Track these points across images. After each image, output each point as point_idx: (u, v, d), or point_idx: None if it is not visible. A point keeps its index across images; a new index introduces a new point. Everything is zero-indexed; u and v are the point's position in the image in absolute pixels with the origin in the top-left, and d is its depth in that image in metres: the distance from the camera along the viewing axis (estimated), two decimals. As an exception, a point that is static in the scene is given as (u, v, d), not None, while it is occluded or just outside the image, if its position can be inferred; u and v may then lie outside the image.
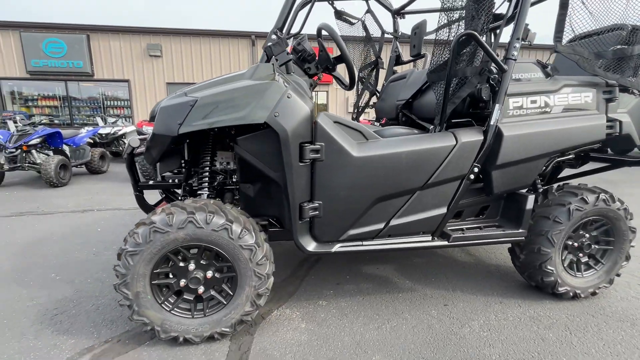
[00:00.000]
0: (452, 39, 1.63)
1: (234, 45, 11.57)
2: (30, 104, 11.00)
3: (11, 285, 2.05)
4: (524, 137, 1.64)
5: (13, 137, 5.25)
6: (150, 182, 1.86)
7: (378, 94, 3.11)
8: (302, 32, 1.81)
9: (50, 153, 5.58)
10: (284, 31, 1.66)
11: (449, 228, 1.79)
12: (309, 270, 2.31)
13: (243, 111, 1.38)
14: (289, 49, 1.49)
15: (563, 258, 1.85)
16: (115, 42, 10.97)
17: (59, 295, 1.94)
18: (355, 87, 2.09)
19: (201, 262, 1.44)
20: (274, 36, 1.47)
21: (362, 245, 1.66)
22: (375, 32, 2.93)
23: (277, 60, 1.48)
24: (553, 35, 1.68)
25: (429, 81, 1.83)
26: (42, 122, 6.96)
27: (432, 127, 1.76)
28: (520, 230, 1.76)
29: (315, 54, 1.78)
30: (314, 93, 2.21)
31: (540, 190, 1.90)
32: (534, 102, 1.69)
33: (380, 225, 1.66)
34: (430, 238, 1.72)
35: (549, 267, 1.78)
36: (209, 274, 1.44)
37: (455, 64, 1.56)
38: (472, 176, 1.65)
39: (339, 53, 1.72)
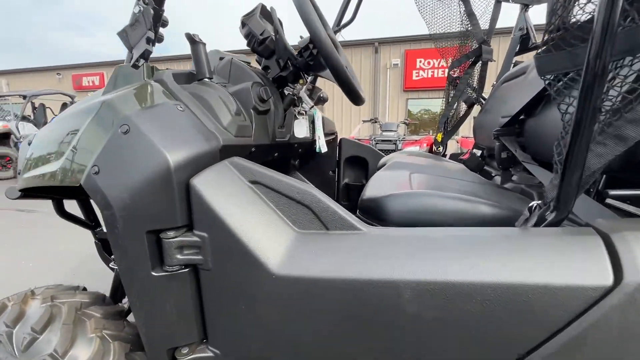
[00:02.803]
0: None
1: (357, 55, 11.21)
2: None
3: None
4: None
5: None
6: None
7: (482, 104, 1.88)
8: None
9: None
10: None
11: None
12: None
13: (50, 165, 0.72)
14: (149, 28, 0.72)
15: None
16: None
17: None
18: (359, 100, 1.03)
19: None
20: (137, 8, 0.73)
21: None
22: None
23: (132, 54, 0.75)
24: None
25: (540, 75, 0.69)
26: None
27: (533, 204, 0.63)
28: None
29: (277, 41, 0.94)
30: (314, 110, 1.33)
31: None
32: None
33: None
34: None
35: None
36: None
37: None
38: None
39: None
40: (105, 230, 0.68)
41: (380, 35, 11.21)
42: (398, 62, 10.72)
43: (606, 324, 0.48)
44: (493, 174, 1.42)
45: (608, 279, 0.48)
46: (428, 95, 10.77)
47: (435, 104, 10.67)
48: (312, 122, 1.46)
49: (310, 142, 1.50)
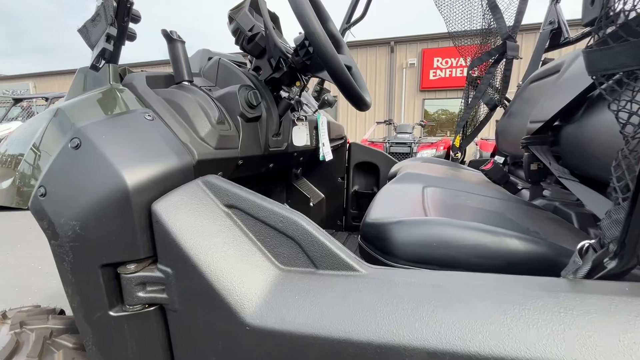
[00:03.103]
0: None
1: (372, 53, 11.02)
2: None
3: None
4: None
5: None
6: None
7: (506, 106, 1.71)
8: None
9: None
10: None
11: None
12: None
13: (4, 181, 0.63)
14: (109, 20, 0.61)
15: None
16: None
17: None
18: (364, 106, 0.86)
19: None
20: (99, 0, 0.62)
21: None
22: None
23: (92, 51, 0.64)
24: None
25: (591, 73, 0.53)
26: None
27: (585, 244, 0.48)
28: None
29: (269, 36, 0.82)
30: (323, 115, 1.20)
31: None
32: None
33: None
34: None
35: None
36: None
37: None
38: None
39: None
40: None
41: (396, 35, 10.97)
42: (414, 61, 10.43)
43: None
44: (520, 187, 1.25)
45: None
46: (445, 95, 10.44)
47: (453, 104, 10.33)
48: (316, 128, 1.34)
49: (314, 150, 1.37)
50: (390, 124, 5.67)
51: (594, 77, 0.52)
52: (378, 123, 6.31)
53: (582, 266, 0.44)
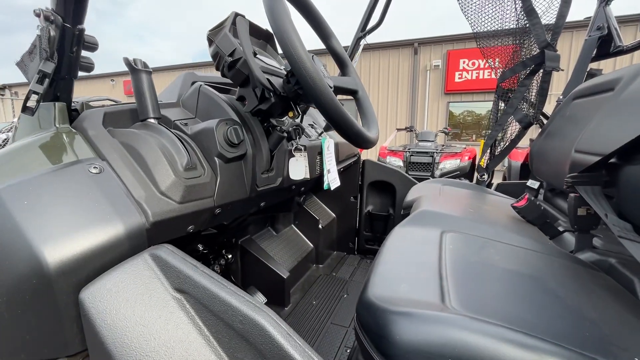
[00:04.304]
0: None
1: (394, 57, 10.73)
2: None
3: None
4: None
5: None
6: None
7: (543, 125, 1.50)
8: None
9: None
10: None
11: None
12: None
13: None
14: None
15: None
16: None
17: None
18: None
19: None
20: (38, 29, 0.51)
21: None
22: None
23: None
24: None
25: None
26: None
27: None
28: None
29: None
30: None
31: None
32: None
33: None
34: None
35: None
36: None
37: None
38: None
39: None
40: None
41: (420, 36, 10.63)
42: (439, 63, 10.05)
43: None
44: (561, 228, 1.04)
45: None
46: (472, 99, 9.97)
47: (479, 107, 9.86)
48: (320, 153, 1.20)
49: (318, 176, 1.23)
50: (412, 131, 5.42)
51: None
52: (398, 130, 6.07)
53: None
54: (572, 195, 0.85)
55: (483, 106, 9.78)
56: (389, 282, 0.57)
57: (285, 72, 0.73)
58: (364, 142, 0.65)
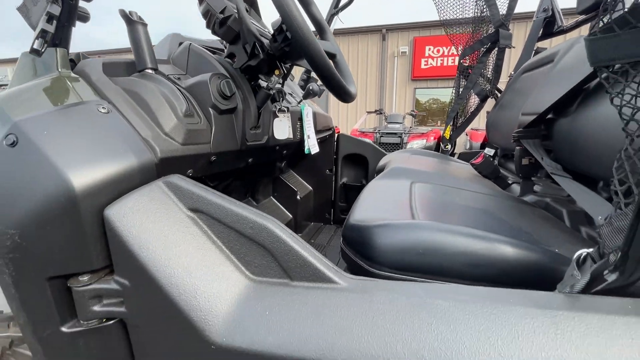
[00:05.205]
0: None
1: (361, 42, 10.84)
2: None
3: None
4: None
5: None
6: None
7: (497, 97, 1.67)
8: None
9: None
10: None
11: None
12: None
13: None
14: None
15: None
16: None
17: None
18: (350, 94, 0.79)
19: None
20: None
21: None
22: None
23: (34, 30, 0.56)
24: None
25: (593, 63, 0.47)
26: None
27: (582, 253, 0.43)
28: None
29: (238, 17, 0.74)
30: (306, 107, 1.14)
31: None
32: None
33: None
34: None
35: None
36: None
37: None
38: None
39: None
40: None
41: (388, 22, 10.79)
42: (406, 49, 10.31)
43: None
44: (510, 181, 1.22)
45: None
46: (437, 85, 10.38)
47: (444, 94, 10.29)
48: (300, 119, 1.27)
49: (299, 143, 1.31)
50: (381, 113, 5.60)
51: (596, 68, 0.47)
52: (369, 113, 6.24)
53: (579, 279, 0.40)
54: (517, 148, 1.01)
55: (447, 93, 10.21)
56: (368, 211, 0.68)
57: (271, 33, 0.80)
58: (345, 94, 0.74)
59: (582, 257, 0.42)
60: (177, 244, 0.49)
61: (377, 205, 0.73)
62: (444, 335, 0.38)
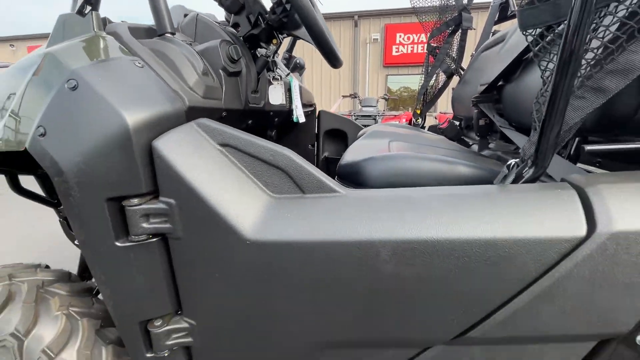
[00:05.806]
0: None
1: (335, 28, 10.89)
2: None
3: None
4: None
5: None
6: None
7: (461, 75, 1.87)
8: None
9: None
10: None
11: None
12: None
13: None
14: None
15: None
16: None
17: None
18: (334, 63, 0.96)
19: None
20: None
21: None
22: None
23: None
24: None
25: (522, 29, 0.66)
26: None
27: (511, 162, 0.63)
28: None
29: None
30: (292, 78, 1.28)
31: None
32: None
33: None
34: None
35: None
36: None
37: None
38: None
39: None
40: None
41: (361, 8, 10.89)
42: (378, 36, 10.51)
43: (578, 274, 0.49)
44: (471, 143, 1.43)
45: (581, 230, 0.49)
46: (408, 72, 10.72)
47: (414, 81, 10.65)
48: (289, 91, 1.40)
49: (287, 113, 1.44)
50: (356, 97, 5.79)
51: (524, 33, 0.64)
52: (344, 97, 6.40)
53: (508, 176, 0.58)
54: (475, 111, 1.21)
55: (417, 80, 10.58)
56: (355, 155, 0.84)
57: (268, 8, 0.92)
58: (335, 59, 0.88)
59: (511, 164, 0.61)
60: (213, 170, 0.62)
61: (362, 152, 0.89)
62: (419, 214, 0.55)
